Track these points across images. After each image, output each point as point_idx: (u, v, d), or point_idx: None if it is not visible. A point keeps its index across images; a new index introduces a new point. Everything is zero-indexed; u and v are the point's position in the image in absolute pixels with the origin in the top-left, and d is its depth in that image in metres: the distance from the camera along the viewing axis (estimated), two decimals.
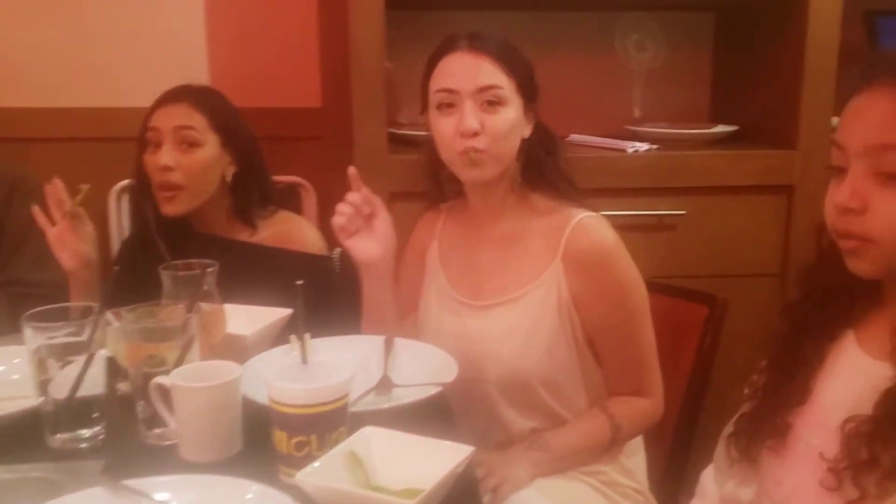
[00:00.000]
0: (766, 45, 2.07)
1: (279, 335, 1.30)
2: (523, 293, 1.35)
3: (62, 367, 1.00)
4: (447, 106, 1.31)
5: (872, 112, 0.85)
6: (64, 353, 1.01)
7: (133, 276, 1.35)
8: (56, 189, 1.45)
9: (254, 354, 1.21)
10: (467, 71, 1.30)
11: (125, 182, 2.13)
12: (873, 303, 0.93)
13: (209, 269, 1.17)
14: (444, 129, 1.32)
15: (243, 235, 1.65)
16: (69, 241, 1.45)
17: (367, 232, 1.35)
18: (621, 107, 2.32)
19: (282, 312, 1.30)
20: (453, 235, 1.48)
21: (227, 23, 2.23)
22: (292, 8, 2.24)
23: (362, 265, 1.37)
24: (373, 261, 1.36)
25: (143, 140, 1.59)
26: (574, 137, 2.14)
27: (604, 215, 1.37)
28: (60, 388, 1.00)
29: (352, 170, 1.35)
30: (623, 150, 1.98)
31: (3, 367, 1.22)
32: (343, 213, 1.33)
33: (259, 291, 1.31)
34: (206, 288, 1.15)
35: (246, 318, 1.29)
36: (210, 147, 1.58)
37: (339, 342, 1.29)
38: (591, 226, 1.34)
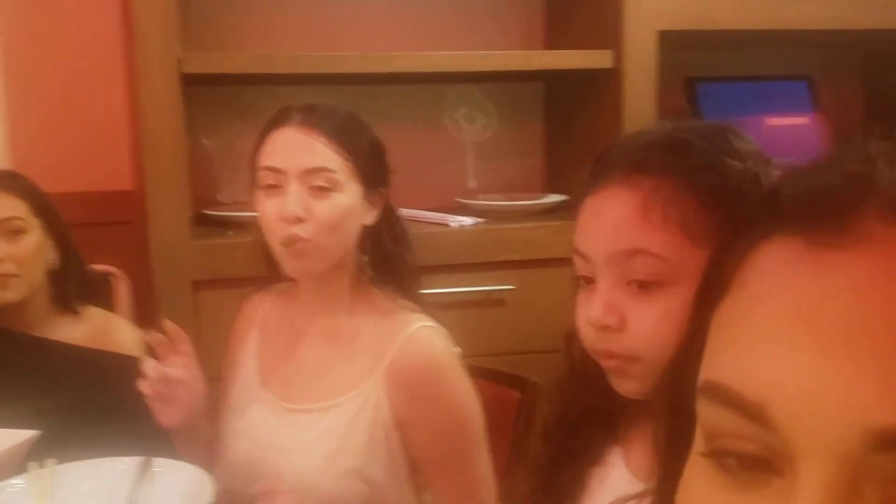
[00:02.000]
0: (590, 116, 2.05)
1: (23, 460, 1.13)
2: (336, 403, 1.21)
3: None
4: (272, 186, 1.17)
5: (610, 214, 0.76)
6: None
7: None
8: None
9: None
10: (296, 149, 1.17)
11: None
12: (640, 416, 0.83)
13: None
14: (267, 211, 1.18)
15: (62, 329, 1.53)
16: None
17: (168, 398, 1.17)
18: (455, 179, 2.26)
19: (21, 435, 1.14)
20: (277, 322, 1.34)
21: (30, 100, 2.07)
22: (101, 84, 2.10)
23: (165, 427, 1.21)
24: (174, 425, 1.20)
25: None
26: (402, 212, 2.06)
27: (436, 322, 1.24)
28: None
29: (168, 325, 1.20)
30: (446, 225, 1.91)
31: None
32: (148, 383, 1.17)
33: (75, 392, 1.27)
34: None
35: None
36: (35, 233, 1.49)
37: (93, 467, 1.13)
38: (423, 339, 1.20)
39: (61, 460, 1.11)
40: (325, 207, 1.16)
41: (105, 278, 2.04)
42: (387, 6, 2.14)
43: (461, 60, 1.89)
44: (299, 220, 1.15)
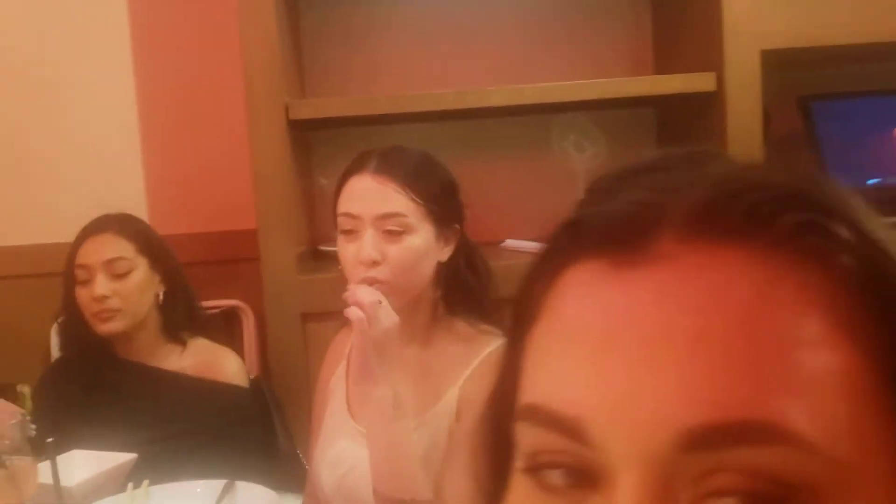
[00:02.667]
0: (698, 140, 1.99)
1: (122, 481, 1.24)
2: (417, 425, 1.25)
3: None
4: (350, 232, 1.25)
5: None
6: None
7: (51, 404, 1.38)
8: None
9: None
10: (370, 196, 1.24)
11: None
12: None
13: (12, 423, 1.13)
14: (346, 255, 1.26)
15: (171, 359, 1.66)
16: None
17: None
18: (566, 209, 2.25)
19: (122, 458, 1.25)
20: None
21: (163, 150, 2.26)
22: (226, 130, 2.26)
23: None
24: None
25: (72, 276, 1.61)
26: (509, 243, 2.08)
27: None
28: None
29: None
30: None
31: None
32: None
33: (179, 420, 1.35)
34: (8, 442, 1.11)
35: (85, 465, 1.24)
36: (141, 270, 1.62)
37: (182, 488, 1.22)
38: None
39: (153, 482, 1.21)
40: (399, 250, 1.22)
41: (233, 312, 2.20)
42: (486, 40, 2.18)
43: (557, 92, 1.90)
44: (375, 264, 1.21)
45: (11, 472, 1.07)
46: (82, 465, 1.22)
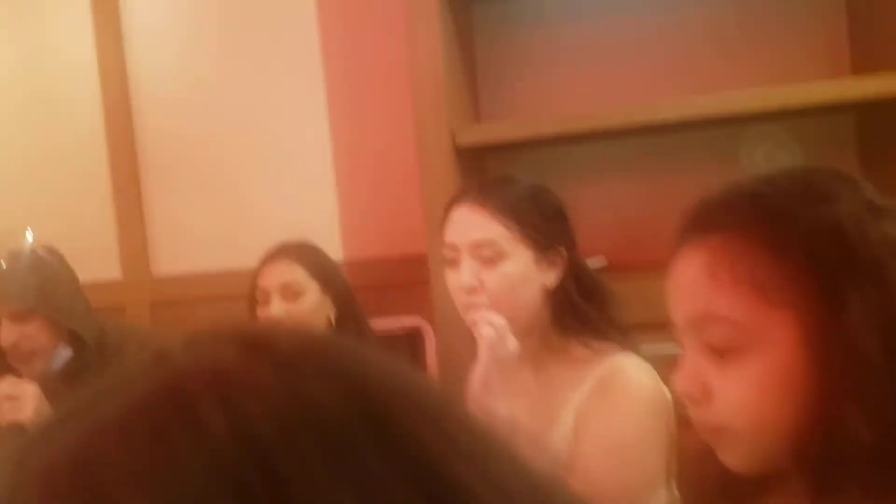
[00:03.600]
0: None
1: None
2: (538, 447, 1.25)
3: None
4: (452, 261, 1.29)
5: (682, 277, 0.72)
6: None
7: None
8: None
9: None
10: (464, 224, 1.28)
11: None
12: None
13: None
14: (450, 284, 1.30)
15: None
16: None
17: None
18: None
19: None
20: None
21: (352, 178, 2.39)
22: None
23: None
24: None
25: (253, 298, 1.76)
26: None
27: None
28: None
29: None
30: None
31: None
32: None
33: None
34: None
35: None
36: (311, 294, 1.73)
37: None
38: (629, 367, 1.21)
39: None
40: (495, 276, 1.23)
41: (416, 332, 2.28)
42: (659, 53, 2.10)
43: (739, 100, 1.79)
44: (473, 290, 1.23)
45: None
46: None
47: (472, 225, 1.26)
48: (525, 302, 1.26)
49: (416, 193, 2.34)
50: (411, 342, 2.26)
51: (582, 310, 1.27)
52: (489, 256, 1.24)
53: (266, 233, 2.38)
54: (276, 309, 1.70)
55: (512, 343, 1.20)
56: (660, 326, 1.01)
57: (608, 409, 1.18)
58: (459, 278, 1.25)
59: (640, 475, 1.17)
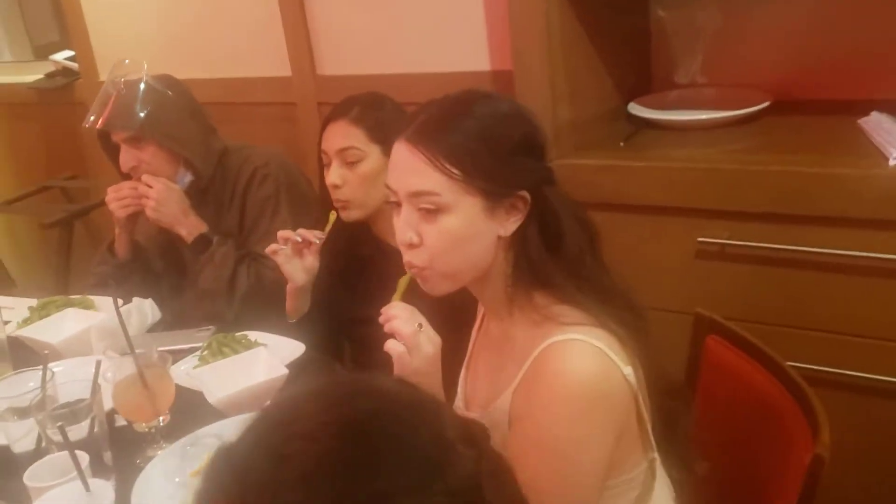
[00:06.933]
0: None
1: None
2: (483, 415, 1.12)
3: None
4: (396, 204, 1.08)
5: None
6: None
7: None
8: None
9: None
10: (400, 169, 1.05)
11: None
12: None
13: None
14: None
15: None
16: (306, 258, 1.61)
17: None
18: None
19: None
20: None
21: None
22: None
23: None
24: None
25: (320, 159, 1.70)
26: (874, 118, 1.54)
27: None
28: None
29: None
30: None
31: None
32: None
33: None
34: None
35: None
36: (372, 159, 1.62)
37: None
38: (557, 353, 0.99)
39: None
40: (435, 232, 1.03)
41: None
42: None
43: None
44: (412, 246, 1.05)
45: None
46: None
47: (408, 170, 1.03)
48: (473, 257, 1.05)
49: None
50: None
51: (542, 264, 1.04)
52: (428, 209, 1.03)
53: (417, 39, 2.25)
54: (334, 175, 1.62)
55: (431, 343, 1.08)
56: None
57: (537, 403, 0.99)
58: (397, 231, 1.07)
59: (578, 472, 1.00)
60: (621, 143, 1.70)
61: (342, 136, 1.61)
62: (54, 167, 3.41)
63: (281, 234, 1.58)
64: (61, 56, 3.22)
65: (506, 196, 1.03)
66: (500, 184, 1.02)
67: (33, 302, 1.85)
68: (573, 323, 1.00)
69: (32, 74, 3.36)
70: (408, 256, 1.06)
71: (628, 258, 1.35)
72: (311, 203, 1.94)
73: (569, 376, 0.96)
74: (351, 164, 1.61)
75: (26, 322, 1.76)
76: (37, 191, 3.37)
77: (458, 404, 1.21)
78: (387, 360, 1.59)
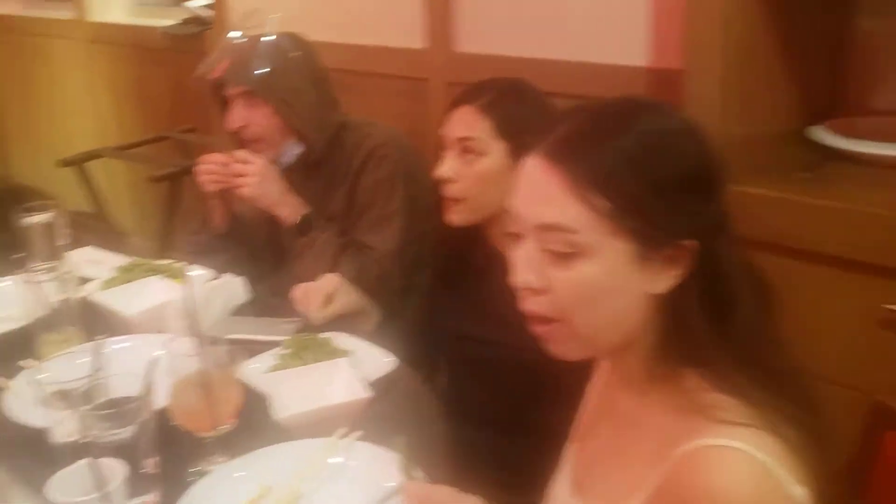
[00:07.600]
0: None
1: None
2: None
3: None
4: (516, 235, 0.87)
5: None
6: None
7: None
8: None
9: None
10: (529, 193, 0.85)
11: None
12: None
13: None
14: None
15: None
16: None
17: None
18: None
19: None
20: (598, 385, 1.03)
21: None
22: None
23: None
24: None
25: (441, 144, 1.49)
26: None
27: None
28: None
29: None
30: None
31: None
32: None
33: None
34: None
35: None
36: (493, 157, 1.40)
37: None
38: (705, 462, 0.74)
39: None
40: (566, 280, 0.80)
41: None
42: None
43: None
44: (534, 293, 0.82)
45: None
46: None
47: (539, 197, 0.81)
48: (612, 316, 0.82)
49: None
50: None
51: (702, 338, 0.78)
52: (561, 250, 0.80)
53: (570, 23, 2.01)
54: (446, 167, 1.40)
55: None
56: None
57: None
58: (515, 273, 0.84)
59: None
60: (807, 174, 1.41)
61: (465, 123, 1.39)
62: (177, 117, 3.34)
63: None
64: (197, 3, 3.13)
65: (665, 244, 0.78)
66: (661, 226, 0.78)
67: (125, 261, 1.73)
68: (732, 422, 0.75)
69: (168, 19, 3.30)
70: (531, 305, 0.82)
71: (791, 316, 1.09)
72: (428, 194, 1.74)
73: (722, 499, 0.72)
74: (468, 158, 1.39)
75: (109, 283, 1.64)
76: (153, 139, 3.30)
77: (564, 484, 0.97)
78: (486, 384, 1.39)
